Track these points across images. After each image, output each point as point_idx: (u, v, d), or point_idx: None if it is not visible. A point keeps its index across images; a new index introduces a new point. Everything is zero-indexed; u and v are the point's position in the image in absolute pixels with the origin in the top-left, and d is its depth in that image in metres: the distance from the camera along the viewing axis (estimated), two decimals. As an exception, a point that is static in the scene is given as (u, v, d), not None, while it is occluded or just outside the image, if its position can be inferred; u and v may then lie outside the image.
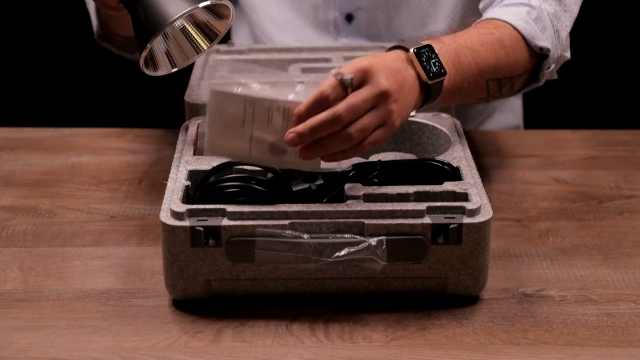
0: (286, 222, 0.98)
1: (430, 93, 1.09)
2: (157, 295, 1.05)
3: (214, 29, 1.12)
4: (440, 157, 1.11)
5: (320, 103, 0.98)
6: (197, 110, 1.23)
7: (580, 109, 2.23)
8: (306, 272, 1.00)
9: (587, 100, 2.23)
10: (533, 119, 1.77)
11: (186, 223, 0.98)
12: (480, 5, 1.34)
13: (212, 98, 1.01)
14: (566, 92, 2.09)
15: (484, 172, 1.30)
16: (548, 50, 1.23)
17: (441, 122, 1.20)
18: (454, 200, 1.02)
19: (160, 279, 1.05)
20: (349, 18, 1.50)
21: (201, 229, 0.98)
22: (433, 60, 1.08)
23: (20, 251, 1.14)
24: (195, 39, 1.13)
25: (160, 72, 1.12)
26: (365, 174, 1.07)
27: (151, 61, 1.10)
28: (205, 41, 1.13)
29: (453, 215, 0.99)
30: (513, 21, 1.23)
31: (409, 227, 0.98)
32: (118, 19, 1.31)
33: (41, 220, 1.22)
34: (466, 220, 0.99)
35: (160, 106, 1.99)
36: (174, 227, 0.98)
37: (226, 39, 1.46)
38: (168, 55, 1.12)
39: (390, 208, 0.99)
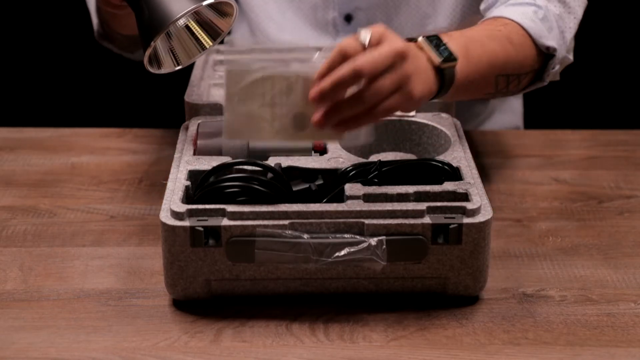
0: (286, 222, 0.98)
1: (444, 80, 1.08)
2: (157, 295, 1.05)
3: (218, 26, 1.12)
4: (440, 157, 1.11)
5: (340, 59, 0.98)
6: (197, 110, 1.23)
7: (580, 109, 2.23)
8: (306, 272, 1.00)
9: (587, 100, 2.23)
10: (533, 119, 1.77)
11: (186, 223, 0.98)
12: (482, 6, 1.34)
13: (229, 79, 1.00)
14: (566, 92, 2.09)
15: (484, 172, 1.30)
16: (554, 49, 1.23)
17: (441, 122, 1.20)
18: (454, 200, 1.02)
19: (160, 279, 1.05)
20: (348, 18, 1.50)
21: (201, 229, 0.98)
22: (442, 47, 1.08)
23: (20, 251, 1.14)
24: (198, 36, 1.13)
25: (164, 70, 1.12)
26: (365, 174, 1.07)
27: (155, 59, 1.10)
28: (209, 39, 1.13)
29: (453, 215, 0.99)
30: (520, 20, 1.23)
31: (409, 227, 0.98)
32: (119, 17, 1.31)
33: (41, 220, 1.22)
34: (466, 220, 0.99)
35: (160, 106, 1.99)
36: (174, 227, 0.98)
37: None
38: (172, 53, 1.12)
39: (390, 208, 0.99)
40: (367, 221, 0.98)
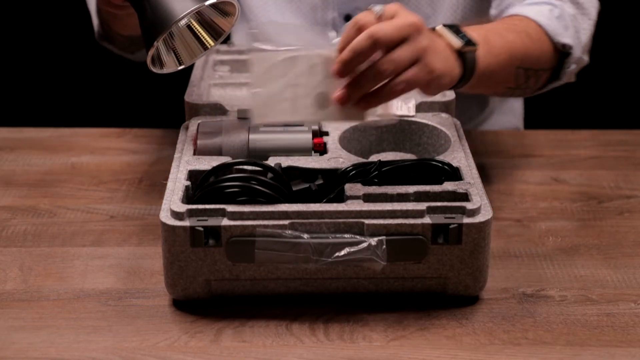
0: (286, 222, 0.98)
1: (466, 64, 1.09)
2: (157, 295, 1.05)
3: (219, 26, 1.12)
4: (440, 157, 1.11)
5: (356, 31, 0.99)
6: (197, 110, 1.23)
7: (580, 109, 2.23)
8: (306, 272, 1.00)
9: (587, 100, 2.23)
10: (533, 120, 1.77)
11: (186, 223, 0.98)
12: (493, 12, 1.34)
13: (253, 63, 1.02)
14: (566, 93, 2.08)
15: (484, 172, 1.30)
16: (570, 47, 1.24)
17: (441, 122, 1.20)
18: (454, 200, 1.02)
19: (160, 279, 1.05)
20: (348, 19, 1.50)
21: (201, 229, 0.98)
22: (461, 34, 1.09)
23: (20, 251, 1.14)
24: (201, 36, 1.13)
25: (166, 70, 1.12)
26: (365, 174, 1.07)
27: (157, 59, 1.10)
28: (211, 39, 1.13)
29: (453, 215, 0.99)
30: (536, 17, 1.24)
31: (409, 227, 0.98)
32: (120, 18, 1.31)
33: (41, 220, 1.22)
34: (466, 220, 0.99)
35: (160, 106, 2.00)
36: (174, 227, 0.98)
37: (226, 39, 1.46)
38: (174, 53, 1.12)
39: (390, 208, 0.99)
40: (367, 221, 0.98)
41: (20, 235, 1.18)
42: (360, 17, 1.00)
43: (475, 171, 1.08)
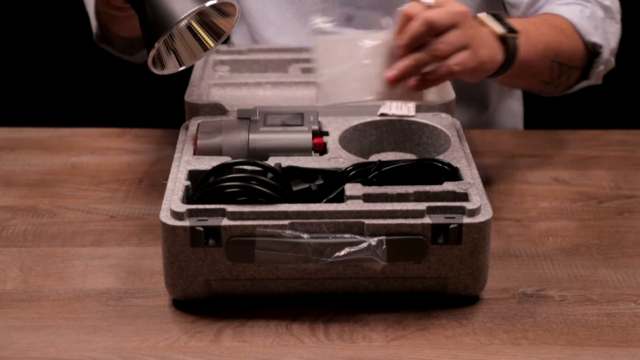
0: (286, 222, 0.98)
1: (508, 51, 1.12)
2: (157, 295, 1.05)
3: (220, 27, 1.12)
4: (440, 157, 1.11)
5: (408, 19, 1.03)
6: (197, 110, 1.23)
7: (580, 109, 2.23)
8: (306, 272, 1.00)
9: (587, 100, 2.23)
10: (533, 120, 1.77)
11: (186, 223, 0.98)
12: (516, 13, 1.36)
13: (319, 47, 1.06)
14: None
15: (484, 172, 1.30)
16: (600, 47, 1.26)
17: (441, 122, 1.20)
18: (454, 200, 1.02)
19: (160, 279, 1.05)
20: (349, 19, 1.50)
21: (201, 229, 0.98)
22: (503, 22, 1.13)
23: (20, 251, 1.14)
24: (201, 37, 1.13)
25: (167, 71, 1.12)
26: (365, 174, 1.07)
27: (158, 60, 1.10)
28: (211, 39, 1.13)
29: (453, 215, 0.99)
30: (568, 15, 1.27)
31: (409, 227, 0.98)
32: (120, 20, 1.31)
33: (41, 220, 1.22)
34: (466, 220, 0.99)
35: (160, 106, 1.99)
36: (174, 227, 0.98)
37: (226, 39, 1.46)
38: (174, 53, 1.12)
39: (390, 208, 0.99)
40: (367, 221, 0.98)
41: (20, 235, 1.18)
42: (411, 8, 1.04)
43: (475, 171, 1.08)
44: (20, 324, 1.01)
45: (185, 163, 1.10)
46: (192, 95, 1.26)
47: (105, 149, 1.43)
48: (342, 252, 0.97)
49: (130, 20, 1.10)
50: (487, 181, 1.29)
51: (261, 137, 1.13)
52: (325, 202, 1.03)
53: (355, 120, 1.20)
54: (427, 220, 0.99)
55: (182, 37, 1.12)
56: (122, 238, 1.17)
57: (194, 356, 0.95)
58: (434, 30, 1.03)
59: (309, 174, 1.08)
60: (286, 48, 1.45)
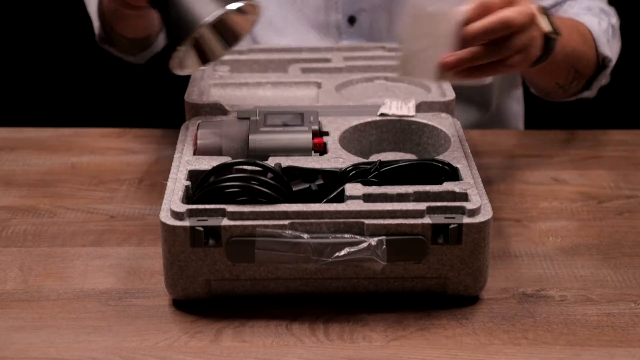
0: (286, 222, 0.98)
1: (547, 50, 1.12)
2: (157, 295, 1.05)
3: (241, 26, 1.12)
4: (440, 157, 1.11)
5: (482, 10, 1.03)
6: (197, 110, 1.23)
7: (580, 109, 2.23)
8: (306, 272, 1.00)
9: (587, 100, 2.23)
10: (533, 120, 1.77)
11: (186, 223, 0.98)
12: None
13: (406, 20, 1.06)
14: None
15: (484, 172, 1.30)
16: (610, 60, 1.27)
17: (441, 122, 1.20)
18: (454, 200, 1.02)
19: (160, 279, 1.05)
20: (352, 20, 1.50)
21: (201, 229, 0.98)
22: (550, 19, 1.13)
23: (20, 251, 1.14)
24: (222, 36, 1.12)
25: (187, 71, 1.12)
26: (365, 174, 1.07)
27: (178, 60, 1.10)
28: (232, 38, 1.13)
29: (453, 215, 0.99)
30: (589, 25, 1.27)
31: (409, 227, 0.98)
32: (128, 20, 1.30)
33: (41, 220, 1.22)
34: (466, 220, 0.99)
35: (160, 106, 1.99)
36: (174, 227, 0.98)
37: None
38: (195, 53, 1.12)
39: (390, 208, 0.99)
40: (367, 221, 0.98)
41: (20, 235, 1.18)
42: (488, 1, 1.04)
43: (475, 171, 1.08)
44: (20, 324, 1.01)
45: (185, 163, 1.10)
46: (192, 95, 1.26)
47: (105, 149, 1.43)
48: (342, 252, 0.97)
49: (139, 20, 1.10)
50: (487, 181, 1.29)
51: (261, 137, 1.13)
52: (325, 202, 1.03)
53: (355, 120, 1.20)
54: (427, 220, 0.99)
55: (202, 37, 1.12)
56: (122, 238, 1.17)
57: (194, 356, 0.95)
58: (507, 31, 1.03)
59: (309, 174, 1.08)
60: (286, 48, 1.45)
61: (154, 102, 2.16)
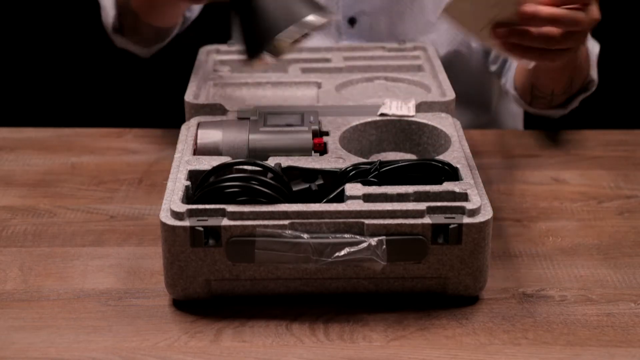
0: (286, 222, 0.98)
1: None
2: (157, 295, 1.05)
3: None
4: (440, 157, 1.11)
5: None
6: (197, 110, 1.23)
7: (580, 109, 2.23)
8: (306, 272, 1.00)
9: (587, 100, 2.23)
10: (533, 120, 1.77)
11: (186, 223, 0.98)
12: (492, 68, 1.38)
13: None
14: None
15: (484, 172, 1.30)
16: (593, 85, 1.28)
17: (441, 122, 1.20)
18: (454, 200, 1.02)
19: (160, 279, 1.05)
20: (352, 22, 1.50)
21: (201, 229, 0.98)
22: None
23: (20, 251, 1.14)
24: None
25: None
26: (365, 174, 1.07)
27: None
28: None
29: (453, 215, 0.99)
30: (589, 45, 1.28)
31: (409, 227, 0.98)
32: (164, 7, 1.29)
33: (41, 220, 1.22)
34: (466, 220, 0.99)
35: (160, 106, 1.99)
36: (174, 227, 0.98)
37: (227, 38, 1.46)
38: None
39: (390, 208, 0.99)
40: (367, 221, 0.98)
41: (20, 235, 1.18)
42: None
43: (475, 171, 1.08)
44: (20, 324, 1.01)
45: (185, 163, 1.10)
46: (192, 95, 1.26)
47: (105, 149, 1.43)
48: (342, 252, 0.97)
49: (175, 9, 1.08)
50: (487, 181, 1.29)
51: (261, 137, 1.13)
52: (325, 202, 1.03)
53: (355, 120, 1.20)
54: (427, 220, 0.99)
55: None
56: (122, 238, 1.17)
57: (194, 356, 0.95)
58: (570, 29, 1.02)
59: (309, 174, 1.08)
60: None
61: (154, 102, 2.16)
